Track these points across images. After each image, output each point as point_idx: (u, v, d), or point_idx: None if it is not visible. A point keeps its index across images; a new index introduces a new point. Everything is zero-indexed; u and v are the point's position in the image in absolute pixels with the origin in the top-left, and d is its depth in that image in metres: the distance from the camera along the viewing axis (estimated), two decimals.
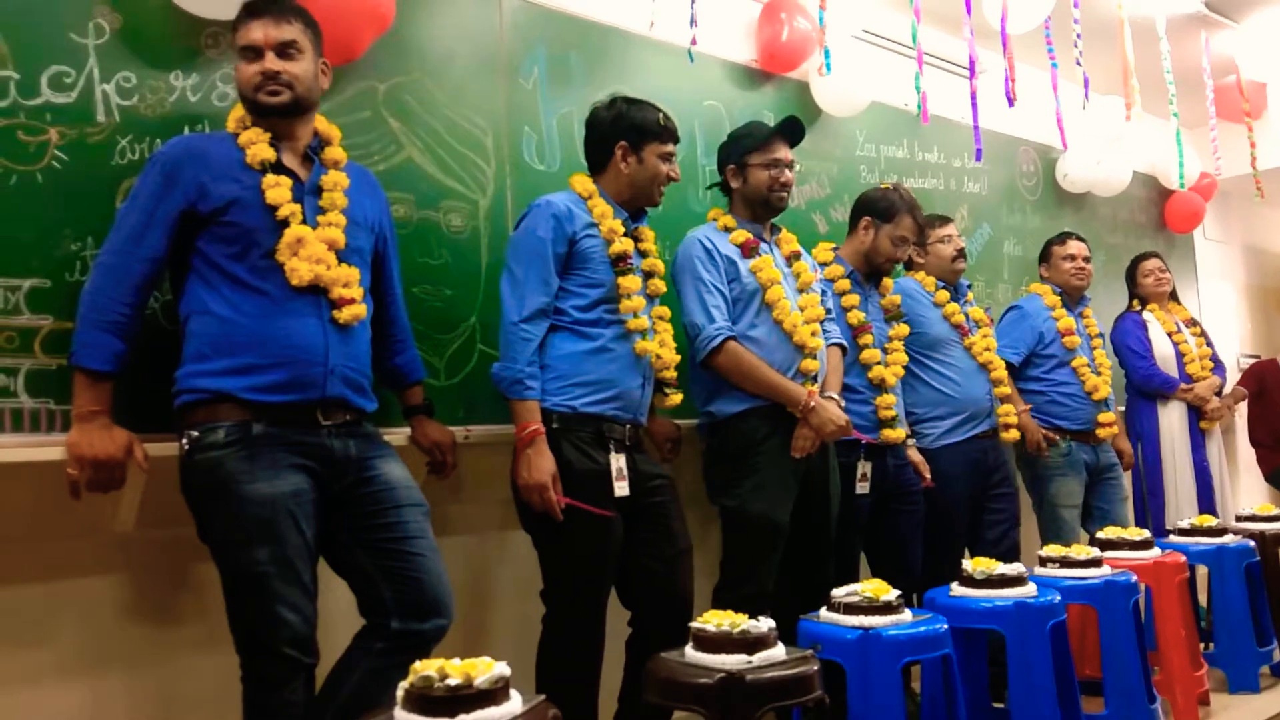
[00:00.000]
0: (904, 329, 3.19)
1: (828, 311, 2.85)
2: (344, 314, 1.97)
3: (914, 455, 3.20)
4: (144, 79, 2.16)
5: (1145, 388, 4.16)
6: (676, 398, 2.64)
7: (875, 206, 3.10)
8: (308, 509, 1.89)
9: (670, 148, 2.49)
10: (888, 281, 3.25)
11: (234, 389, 1.87)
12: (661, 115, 2.48)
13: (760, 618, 1.87)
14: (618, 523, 2.32)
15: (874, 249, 3.09)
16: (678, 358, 2.56)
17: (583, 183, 2.47)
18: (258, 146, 1.96)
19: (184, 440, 1.89)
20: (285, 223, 1.93)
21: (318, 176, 2.04)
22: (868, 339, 3.05)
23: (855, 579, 2.46)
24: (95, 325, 1.84)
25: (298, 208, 1.96)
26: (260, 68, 1.96)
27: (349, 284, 1.99)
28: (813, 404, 2.61)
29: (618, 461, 2.33)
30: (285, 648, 1.84)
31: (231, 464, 1.85)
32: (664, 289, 2.57)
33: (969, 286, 3.56)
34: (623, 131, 2.45)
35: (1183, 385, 4.13)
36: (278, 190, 1.94)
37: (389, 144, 2.53)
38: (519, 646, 2.28)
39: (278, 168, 1.97)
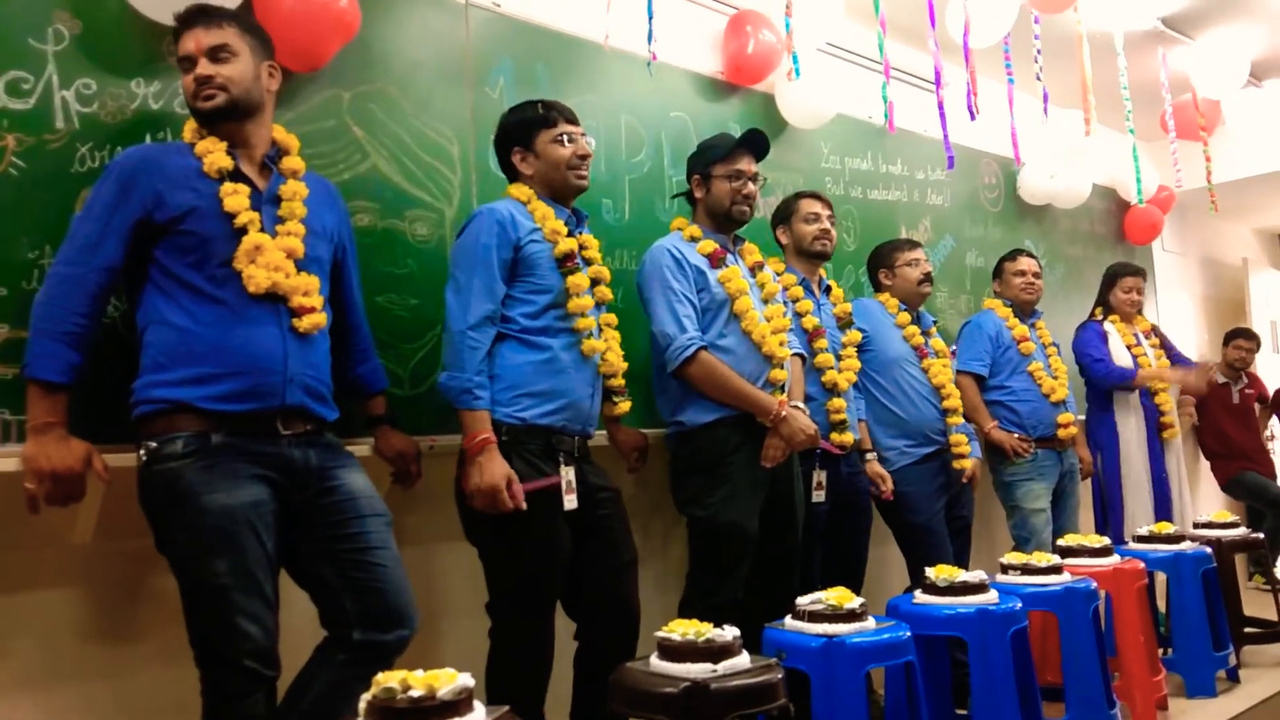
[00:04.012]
0: (856, 335, 3.25)
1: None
2: (304, 322, 1.96)
3: (875, 468, 3.24)
4: (104, 85, 2.13)
5: (1106, 384, 4.18)
6: (625, 405, 2.64)
7: (776, 215, 3.25)
8: (268, 520, 1.88)
9: (563, 127, 2.42)
10: (838, 291, 3.32)
11: (192, 399, 1.85)
12: (539, 104, 2.45)
13: (725, 626, 1.88)
14: (565, 535, 2.31)
15: (798, 241, 3.16)
16: (625, 365, 2.55)
17: (519, 189, 2.44)
18: (215, 155, 1.94)
19: (142, 451, 1.86)
20: (243, 231, 1.92)
21: (276, 186, 2.02)
22: (822, 343, 3.09)
23: (815, 587, 2.48)
24: (49, 336, 1.81)
25: (256, 216, 1.94)
26: (194, 74, 1.95)
27: (308, 292, 1.98)
28: (784, 414, 2.63)
29: (567, 474, 2.32)
30: (246, 660, 1.81)
31: (190, 474, 1.83)
32: (610, 296, 2.56)
33: (934, 322, 3.63)
34: (511, 140, 2.44)
35: (1141, 371, 4.17)
36: (236, 198, 1.92)
37: (354, 153, 2.52)
38: (481, 658, 2.27)
39: (235, 176, 1.96)
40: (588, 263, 2.51)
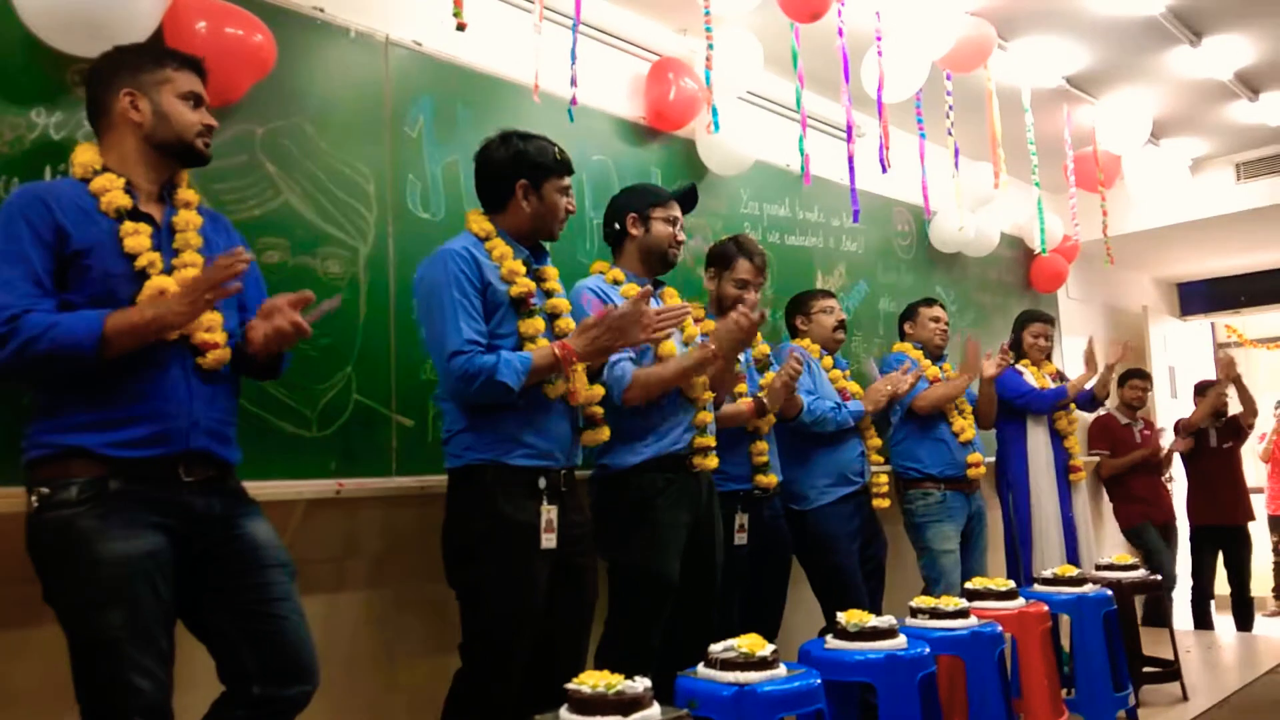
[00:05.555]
0: (770, 377, 3.28)
1: None
2: (208, 359, 1.90)
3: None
4: (2, 114, 2.07)
5: (1043, 408, 4.34)
6: (604, 433, 2.54)
7: (715, 256, 3.23)
8: (166, 570, 1.80)
9: (567, 181, 2.45)
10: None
11: (90, 444, 1.77)
12: (557, 149, 2.43)
13: (637, 677, 1.86)
14: (543, 573, 2.27)
15: (721, 295, 3.19)
16: (601, 391, 2.50)
17: (480, 223, 2.40)
18: (113, 194, 1.87)
19: (34, 497, 1.78)
20: (145, 275, 1.85)
21: (169, 217, 1.96)
22: (742, 387, 3.12)
23: (734, 631, 2.47)
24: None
25: (156, 256, 1.88)
26: (207, 120, 1.98)
27: (211, 328, 1.91)
28: (711, 345, 2.65)
29: (548, 513, 2.28)
30: (137, 717, 1.73)
31: (84, 522, 1.75)
32: (571, 326, 2.46)
33: (847, 365, 3.72)
34: (523, 170, 2.38)
35: (1069, 383, 4.42)
36: (137, 238, 1.86)
37: (265, 189, 2.47)
38: (384, 711, 2.21)
39: (134, 214, 1.89)
40: (547, 295, 2.46)
